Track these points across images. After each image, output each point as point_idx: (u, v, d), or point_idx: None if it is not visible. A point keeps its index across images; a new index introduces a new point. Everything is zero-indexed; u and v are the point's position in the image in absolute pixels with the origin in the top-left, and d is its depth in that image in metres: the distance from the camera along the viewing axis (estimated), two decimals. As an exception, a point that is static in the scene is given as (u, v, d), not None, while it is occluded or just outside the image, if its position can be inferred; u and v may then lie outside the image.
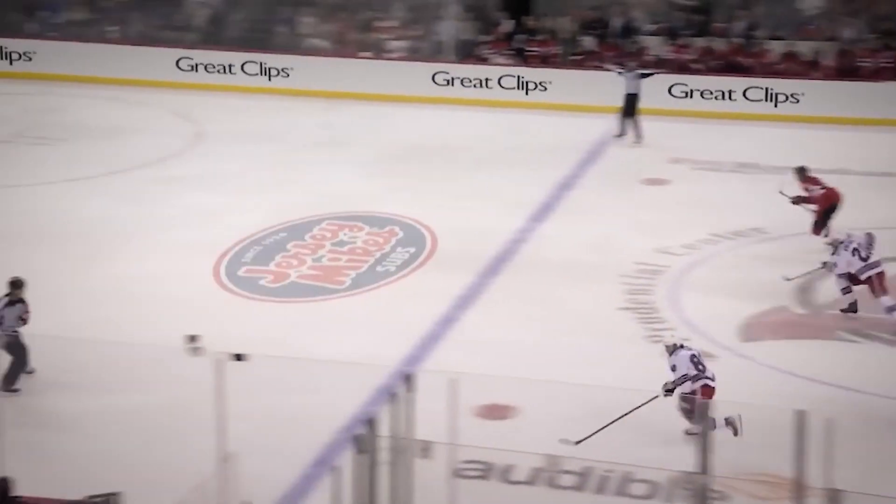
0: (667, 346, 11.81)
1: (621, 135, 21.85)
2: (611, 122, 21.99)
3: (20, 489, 9.39)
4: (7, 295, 12.71)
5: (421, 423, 9.41)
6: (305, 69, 24.68)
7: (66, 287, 15.20)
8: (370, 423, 9.11)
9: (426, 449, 9.57)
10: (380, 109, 23.75)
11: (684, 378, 11.52)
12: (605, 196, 19.11)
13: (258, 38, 25.60)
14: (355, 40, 25.73)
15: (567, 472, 11.15)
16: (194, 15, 26.32)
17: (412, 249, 16.71)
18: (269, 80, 24.72)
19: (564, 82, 23.64)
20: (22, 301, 12.71)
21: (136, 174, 19.83)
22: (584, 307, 14.87)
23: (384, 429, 9.22)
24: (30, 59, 25.03)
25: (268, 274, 15.82)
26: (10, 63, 25.06)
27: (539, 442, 11.40)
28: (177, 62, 24.80)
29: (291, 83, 24.58)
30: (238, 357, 10.66)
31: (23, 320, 12.65)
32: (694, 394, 11.41)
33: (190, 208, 18.21)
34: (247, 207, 18.20)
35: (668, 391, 11.52)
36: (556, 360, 13.31)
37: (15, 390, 12.46)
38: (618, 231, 17.45)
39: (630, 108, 21.80)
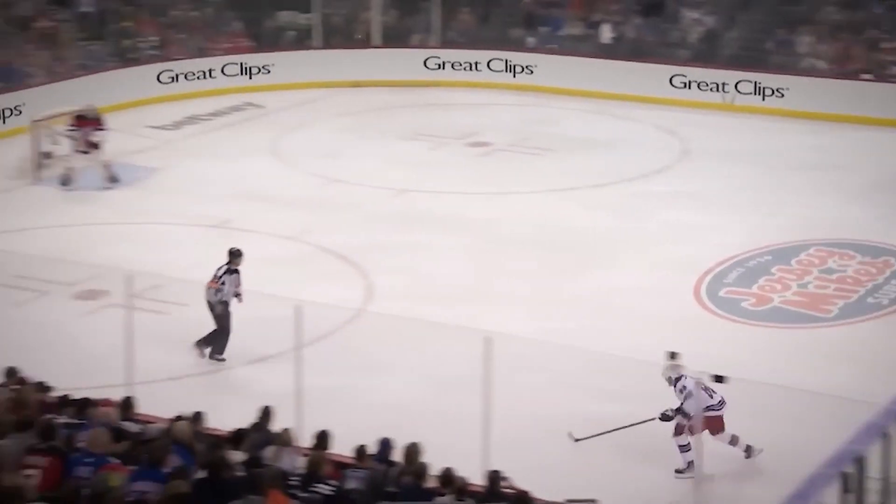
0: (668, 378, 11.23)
1: None
2: None
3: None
4: (227, 263, 13.36)
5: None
6: (801, 90, 23.88)
7: (549, 294, 15.54)
8: (859, 461, 8.56)
9: (921, 498, 8.84)
10: (878, 134, 22.53)
11: (687, 409, 10.98)
12: None
13: (753, 57, 25.09)
14: (858, 61, 24.57)
15: None
16: (689, 31, 26.22)
17: (908, 282, 15.72)
18: (763, 99, 24.15)
19: None
20: (238, 272, 13.30)
21: (620, 187, 19.98)
22: None
23: (873, 469, 8.63)
24: (531, 72, 25.97)
25: (750, 296, 15.39)
26: (514, 75, 26.16)
27: None
28: (670, 79, 24.80)
29: (785, 104, 23.85)
30: (719, 379, 10.44)
31: (237, 294, 13.23)
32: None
33: (672, 224, 18.10)
34: (730, 227, 17.83)
35: (666, 418, 11.06)
36: None
37: (222, 359, 13.13)
38: None
39: None
